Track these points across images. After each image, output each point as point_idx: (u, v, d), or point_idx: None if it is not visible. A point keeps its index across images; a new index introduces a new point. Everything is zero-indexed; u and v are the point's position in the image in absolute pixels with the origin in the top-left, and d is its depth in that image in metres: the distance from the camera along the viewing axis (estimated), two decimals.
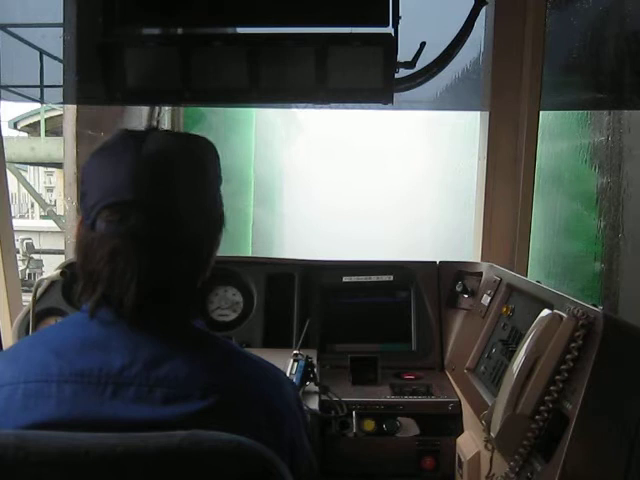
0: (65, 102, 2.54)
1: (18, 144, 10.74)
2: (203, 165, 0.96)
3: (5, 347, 1.99)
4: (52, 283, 1.92)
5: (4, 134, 2.02)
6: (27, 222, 13.28)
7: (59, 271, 1.82)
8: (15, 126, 12.31)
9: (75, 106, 2.87)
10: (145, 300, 0.87)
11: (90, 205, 0.89)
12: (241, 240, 3.61)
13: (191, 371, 0.85)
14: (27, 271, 9.77)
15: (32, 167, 15.76)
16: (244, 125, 3.66)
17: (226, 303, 2.06)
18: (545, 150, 2.44)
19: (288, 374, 1.59)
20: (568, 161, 2.54)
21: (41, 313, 1.88)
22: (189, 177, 0.92)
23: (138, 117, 2.54)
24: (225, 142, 3.40)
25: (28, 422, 0.81)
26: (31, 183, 13.74)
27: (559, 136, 2.60)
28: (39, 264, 10.13)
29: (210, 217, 0.96)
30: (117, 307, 0.87)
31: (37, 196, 12.78)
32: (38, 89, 3.15)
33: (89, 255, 0.89)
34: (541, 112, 2.05)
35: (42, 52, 3.28)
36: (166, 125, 3.13)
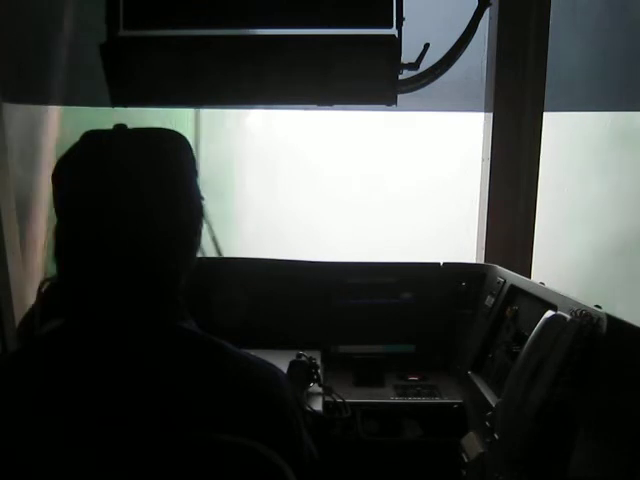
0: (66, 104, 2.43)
1: None
2: (173, 161, 0.95)
3: (10, 347, 1.99)
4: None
5: None
6: None
7: None
8: None
9: None
10: (127, 307, 0.87)
11: (62, 212, 0.90)
12: None
13: (182, 379, 0.85)
14: None
15: None
16: None
17: (228, 304, 2.06)
18: None
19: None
20: None
21: (46, 313, 1.88)
22: (158, 175, 0.91)
23: None
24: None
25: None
26: None
27: None
28: None
29: (186, 211, 0.94)
30: (99, 316, 0.87)
31: None
32: None
33: (64, 263, 0.90)
34: None
35: None
36: None
